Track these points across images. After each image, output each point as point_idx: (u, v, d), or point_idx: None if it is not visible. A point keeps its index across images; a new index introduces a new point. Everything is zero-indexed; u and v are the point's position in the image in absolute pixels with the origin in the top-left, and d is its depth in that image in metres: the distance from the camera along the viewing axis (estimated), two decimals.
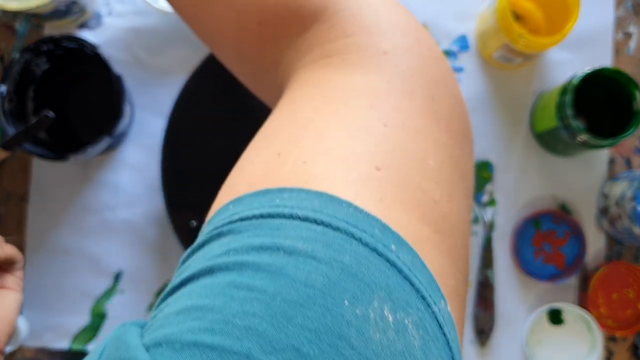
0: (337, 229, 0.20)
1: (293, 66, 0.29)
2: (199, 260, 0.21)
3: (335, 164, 0.23)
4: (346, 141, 0.23)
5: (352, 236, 0.20)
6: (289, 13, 0.29)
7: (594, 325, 0.63)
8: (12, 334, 0.49)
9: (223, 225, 0.22)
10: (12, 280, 0.52)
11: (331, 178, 0.22)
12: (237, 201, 0.22)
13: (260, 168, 0.24)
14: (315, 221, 0.20)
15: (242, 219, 0.21)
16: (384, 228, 0.21)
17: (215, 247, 0.21)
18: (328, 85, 0.26)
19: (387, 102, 0.25)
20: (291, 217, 0.20)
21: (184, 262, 0.23)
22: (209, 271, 0.21)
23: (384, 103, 0.25)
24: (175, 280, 0.22)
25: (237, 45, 0.32)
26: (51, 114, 0.55)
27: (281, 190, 0.22)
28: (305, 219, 0.20)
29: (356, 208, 0.21)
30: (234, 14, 0.31)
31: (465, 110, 0.29)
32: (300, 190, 0.21)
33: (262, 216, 0.21)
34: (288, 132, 0.25)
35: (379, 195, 0.22)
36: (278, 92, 0.31)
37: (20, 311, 0.51)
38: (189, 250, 0.23)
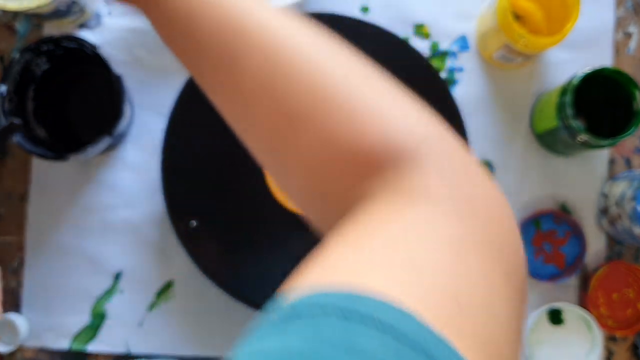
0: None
1: (370, 194, 0.30)
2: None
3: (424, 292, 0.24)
4: (434, 270, 0.25)
5: None
6: (383, 153, 0.30)
7: (594, 325, 0.63)
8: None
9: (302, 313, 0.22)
10: None
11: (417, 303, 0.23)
12: (319, 295, 0.23)
13: (338, 265, 0.25)
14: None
15: (325, 313, 0.22)
16: None
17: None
18: (412, 217, 0.27)
19: (466, 248, 0.27)
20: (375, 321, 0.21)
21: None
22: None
23: (464, 248, 0.27)
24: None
25: (311, 178, 0.32)
26: (18, 121, 0.55)
27: (361, 297, 0.22)
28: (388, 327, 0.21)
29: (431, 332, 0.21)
30: (319, 145, 0.31)
31: (525, 270, 0.31)
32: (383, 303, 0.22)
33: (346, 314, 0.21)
34: (383, 245, 0.26)
35: (462, 332, 0.23)
36: (340, 218, 0.31)
37: (2, 282, 0.50)
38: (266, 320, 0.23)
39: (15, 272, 0.66)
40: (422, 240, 0.26)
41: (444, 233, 0.27)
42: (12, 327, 0.64)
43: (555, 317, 0.64)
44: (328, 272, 0.25)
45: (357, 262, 0.25)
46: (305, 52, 0.34)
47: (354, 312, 0.21)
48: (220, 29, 0.34)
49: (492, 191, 0.30)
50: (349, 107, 0.32)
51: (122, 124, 0.61)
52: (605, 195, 0.64)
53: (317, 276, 0.25)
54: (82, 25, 0.67)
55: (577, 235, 0.65)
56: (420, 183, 0.29)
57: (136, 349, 0.65)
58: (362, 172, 0.30)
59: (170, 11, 0.37)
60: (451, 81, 0.67)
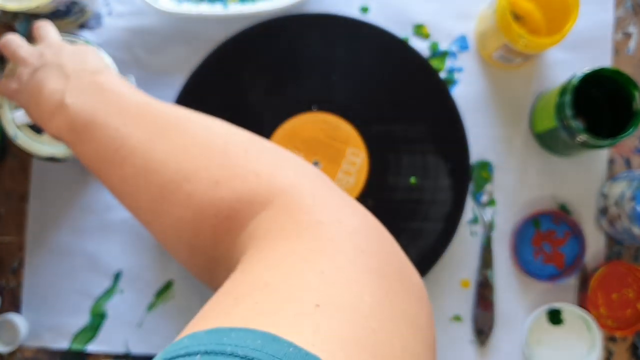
0: None
1: (243, 247, 0.34)
2: None
3: (281, 303, 0.26)
4: (291, 287, 0.28)
5: None
6: (242, 206, 0.35)
7: (594, 325, 0.63)
8: None
9: (173, 357, 0.25)
10: None
11: (275, 316, 0.25)
12: (191, 336, 0.26)
13: (217, 310, 0.28)
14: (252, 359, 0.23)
15: (189, 354, 0.24)
16: None
17: None
18: (274, 252, 0.31)
19: (323, 257, 0.30)
20: (232, 355, 0.23)
21: None
22: None
23: (320, 258, 0.30)
24: None
25: (192, 241, 0.37)
26: None
27: (230, 330, 0.25)
28: (244, 358, 0.23)
29: (295, 347, 0.23)
30: (191, 213, 0.37)
31: (406, 264, 0.34)
32: (247, 330, 0.24)
33: (206, 352, 0.24)
34: (242, 286, 0.29)
35: (316, 329, 0.25)
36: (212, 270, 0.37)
37: None
38: None
39: (15, 272, 0.66)
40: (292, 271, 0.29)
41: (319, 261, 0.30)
42: (12, 327, 0.64)
43: (555, 317, 0.64)
44: (202, 319, 0.28)
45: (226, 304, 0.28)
46: (182, 126, 0.41)
47: (217, 346, 0.24)
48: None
49: (366, 217, 0.34)
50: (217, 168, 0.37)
51: None
52: (604, 196, 0.64)
53: (194, 325, 0.28)
54: (82, 25, 0.67)
55: (577, 235, 0.65)
56: (286, 223, 0.33)
57: (136, 349, 0.65)
58: (232, 224, 0.35)
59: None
60: (451, 81, 0.67)
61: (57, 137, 0.47)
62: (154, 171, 0.39)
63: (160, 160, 0.39)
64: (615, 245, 0.66)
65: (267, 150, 0.39)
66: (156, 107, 0.43)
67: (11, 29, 0.68)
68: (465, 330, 0.65)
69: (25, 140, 0.59)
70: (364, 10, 0.67)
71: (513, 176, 0.66)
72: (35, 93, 0.49)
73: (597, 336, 0.63)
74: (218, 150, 0.38)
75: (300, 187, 0.35)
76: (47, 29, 0.56)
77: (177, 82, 0.66)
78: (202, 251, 0.37)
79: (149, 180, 0.39)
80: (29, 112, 0.51)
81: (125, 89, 0.45)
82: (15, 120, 0.59)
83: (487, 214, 0.66)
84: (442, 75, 0.67)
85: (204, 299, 0.65)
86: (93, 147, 0.43)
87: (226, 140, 0.39)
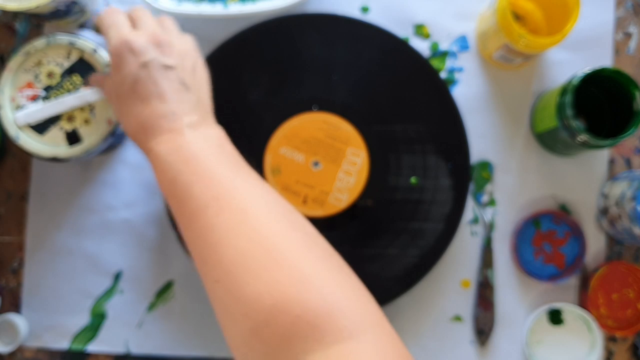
0: None
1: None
2: None
3: None
4: None
5: None
6: (325, 324, 0.36)
7: (594, 326, 0.63)
8: None
9: None
10: None
11: None
12: None
13: None
14: None
15: None
16: None
17: None
18: None
19: None
20: None
21: None
22: None
23: None
24: None
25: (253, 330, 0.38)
26: None
27: None
28: None
29: None
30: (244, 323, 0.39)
31: None
32: None
33: None
34: None
35: None
36: None
37: None
38: None
39: (15, 272, 0.66)
40: None
41: None
42: (12, 327, 0.64)
43: (555, 317, 0.64)
44: None
45: None
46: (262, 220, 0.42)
47: None
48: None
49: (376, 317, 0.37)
50: (298, 274, 0.38)
51: None
52: (605, 196, 0.64)
53: None
54: (82, 25, 0.67)
55: (577, 235, 0.65)
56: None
57: (136, 349, 0.65)
58: (302, 335, 0.36)
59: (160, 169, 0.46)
60: (451, 81, 0.67)
61: (134, 141, 0.47)
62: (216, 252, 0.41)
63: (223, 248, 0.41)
64: (615, 245, 0.66)
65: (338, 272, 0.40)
66: (236, 193, 0.43)
67: (11, 29, 0.68)
68: (466, 331, 0.65)
69: (27, 141, 0.59)
70: (364, 10, 0.67)
71: (513, 176, 0.66)
72: (144, 95, 0.47)
73: (597, 336, 0.63)
74: (286, 272, 0.39)
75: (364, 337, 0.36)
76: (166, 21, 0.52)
77: None
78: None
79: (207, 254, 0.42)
80: (118, 106, 0.49)
81: (214, 159, 0.45)
82: (18, 120, 0.59)
83: (488, 214, 0.66)
84: (443, 75, 0.67)
85: (204, 299, 0.65)
86: (169, 191, 0.45)
87: (298, 256, 0.40)
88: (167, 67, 0.47)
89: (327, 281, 0.38)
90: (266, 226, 0.41)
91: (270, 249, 0.40)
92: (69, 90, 0.60)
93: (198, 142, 0.45)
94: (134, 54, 0.47)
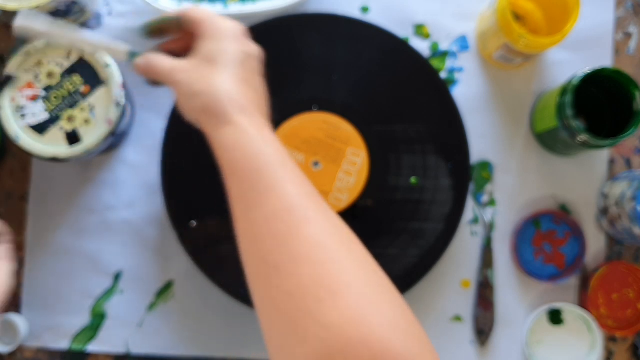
0: None
1: None
2: None
3: None
4: None
5: None
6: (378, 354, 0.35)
7: (594, 325, 0.63)
8: (6, 302, 0.51)
9: None
10: (2, 249, 0.54)
11: None
12: None
13: None
14: None
15: None
16: None
17: None
18: None
19: None
20: None
21: None
22: None
23: None
24: None
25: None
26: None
27: None
28: None
29: None
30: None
31: None
32: None
33: None
34: None
35: None
36: None
37: (15, 280, 0.52)
38: None
39: (15, 272, 0.66)
40: None
41: None
42: (12, 327, 0.64)
43: (555, 317, 0.64)
44: None
45: None
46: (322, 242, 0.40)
47: None
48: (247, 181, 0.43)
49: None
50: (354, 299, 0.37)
51: (123, 124, 0.62)
52: (605, 196, 0.64)
53: None
54: (82, 25, 0.67)
55: (577, 235, 0.65)
56: None
57: (136, 349, 0.65)
58: None
59: (217, 150, 0.45)
60: (451, 81, 0.67)
61: (198, 125, 0.46)
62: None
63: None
64: (615, 245, 0.66)
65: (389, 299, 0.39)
66: (332, 214, 0.42)
67: (11, 29, 0.67)
68: (466, 330, 0.65)
69: (27, 141, 0.59)
70: (365, 10, 0.67)
71: (513, 176, 0.66)
72: (243, 79, 0.47)
73: (597, 336, 0.63)
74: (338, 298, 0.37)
75: None
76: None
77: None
78: None
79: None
80: (184, 95, 0.47)
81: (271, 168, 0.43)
82: (16, 22, 0.55)
83: (488, 214, 0.66)
84: (443, 75, 0.67)
85: (204, 299, 0.65)
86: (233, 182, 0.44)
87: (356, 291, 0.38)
88: (258, 64, 0.49)
89: (409, 325, 0.37)
90: (362, 254, 0.41)
91: (361, 277, 0.39)
92: (69, 91, 0.60)
93: (275, 141, 0.45)
94: (244, 39, 0.49)
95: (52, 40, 0.55)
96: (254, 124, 0.45)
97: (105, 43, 0.54)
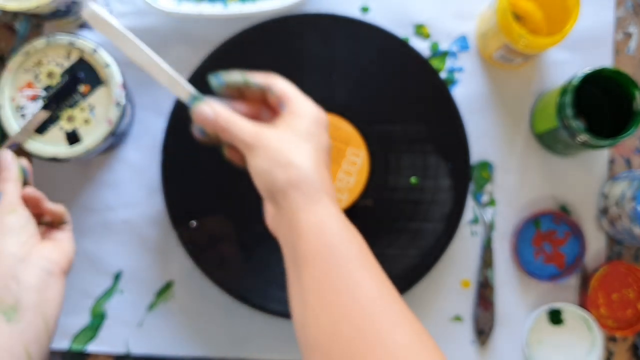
0: None
1: None
2: None
3: None
4: None
5: None
6: None
7: (594, 325, 0.63)
8: (70, 266, 0.52)
9: None
10: (64, 234, 0.54)
11: None
12: None
13: None
14: None
15: None
16: None
17: None
18: None
19: None
20: None
21: None
22: None
23: None
24: None
25: None
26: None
27: None
28: None
29: None
30: None
31: None
32: None
33: None
34: None
35: None
36: None
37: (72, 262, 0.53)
38: None
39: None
40: None
41: None
42: None
43: (555, 317, 0.64)
44: None
45: None
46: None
47: None
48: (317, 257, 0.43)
49: None
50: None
51: (123, 124, 0.62)
52: (605, 196, 0.64)
53: None
54: (82, 25, 0.67)
55: (577, 235, 0.65)
56: None
57: (136, 349, 0.65)
58: None
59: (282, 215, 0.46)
60: (451, 81, 0.67)
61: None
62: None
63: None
64: (615, 245, 0.66)
65: None
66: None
67: (11, 29, 0.68)
68: (466, 330, 0.65)
69: (27, 141, 0.59)
70: (364, 10, 0.67)
71: (513, 176, 0.66)
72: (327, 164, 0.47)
73: (597, 336, 0.63)
74: None
75: None
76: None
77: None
78: None
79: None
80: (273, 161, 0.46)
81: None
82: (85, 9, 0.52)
83: (488, 214, 0.66)
84: (443, 75, 0.67)
85: (204, 299, 0.65)
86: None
87: None
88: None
89: None
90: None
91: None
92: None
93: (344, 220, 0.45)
94: (325, 128, 0.49)
95: (116, 40, 0.51)
96: (337, 207, 0.45)
97: (169, 70, 0.51)
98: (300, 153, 0.45)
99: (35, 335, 0.46)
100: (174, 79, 0.50)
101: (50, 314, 0.47)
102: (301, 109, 0.48)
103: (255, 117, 0.50)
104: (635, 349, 0.65)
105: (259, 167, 0.46)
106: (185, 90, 0.50)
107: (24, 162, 0.54)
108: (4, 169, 0.52)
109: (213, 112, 0.48)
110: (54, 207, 0.54)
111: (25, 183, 0.54)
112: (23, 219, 0.50)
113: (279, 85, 0.49)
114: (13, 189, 0.51)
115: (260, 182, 0.46)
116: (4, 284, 0.46)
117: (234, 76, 0.50)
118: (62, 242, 0.52)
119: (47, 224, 0.54)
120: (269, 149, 0.46)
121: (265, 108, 0.51)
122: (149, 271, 0.66)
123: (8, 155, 0.53)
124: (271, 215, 0.47)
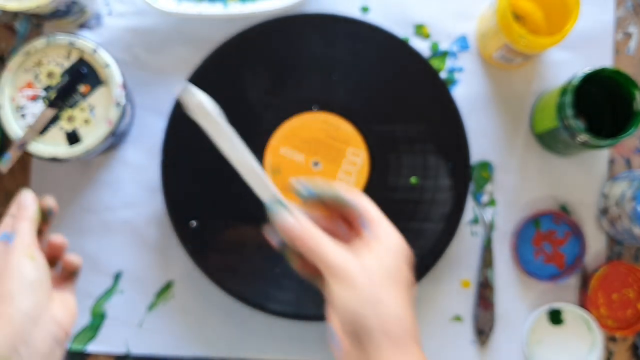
0: None
1: None
2: None
3: None
4: None
5: None
6: None
7: (594, 325, 0.63)
8: (72, 331, 0.49)
9: None
10: (71, 294, 0.52)
11: None
12: None
13: None
14: None
15: None
16: None
17: None
18: None
19: None
20: None
21: None
22: None
23: None
24: None
25: None
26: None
27: None
28: None
29: None
30: None
31: None
32: None
33: None
34: None
35: None
36: None
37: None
38: None
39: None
40: None
41: None
42: None
43: (555, 317, 0.64)
44: None
45: None
46: None
47: None
48: None
49: None
50: None
51: (123, 124, 0.62)
52: (605, 196, 0.64)
53: None
54: (82, 25, 0.67)
55: (577, 235, 0.65)
56: None
57: (136, 349, 0.65)
58: None
59: None
60: (451, 81, 0.67)
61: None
62: None
63: None
64: (615, 245, 0.66)
65: None
66: None
67: (11, 29, 0.68)
68: (466, 330, 0.65)
69: None
70: (364, 10, 0.67)
71: (513, 176, 0.66)
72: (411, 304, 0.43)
73: (597, 336, 0.63)
74: None
75: None
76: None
77: (177, 83, 0.66)
78: None
79: None
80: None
81: None
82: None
83: (488, 214, 0.66)
84: (443, 75, 0.67)
85: (204, 299, 0.65)
86: None
87: None
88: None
89: None
90: None
91: None
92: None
93: None
94: (408, 262, 0.45)
95: (211, 133, 0.47)
96: (423, 355, 0.42)
97: (257, 167, 0.47)
98: (390, 293, 0.42)
99: None
100: (260, 177, 0.47)
101: None
102: (387, 238, 0.45)
103: (332, 231, 0.47)
104: (635, 349, 0.65)
105: (346, 302, 0.42)
106: (270, 192, 0.47)
107: (51, 201, 0.50)
108: (22, 207, 0.49)
109: (300, 227, 0.45)
110: (72, 259, 0.51)
111: (45, 222, 0.50)
112: (40, 270, 0.46)
113: (364, 204, 0.46)
114: (28, 229, 0.48)
115: (343, 316, 0.42)
116: (14, 347, 0.43)
117: (324, 189, 0.47)
118: (69, 302, 0.50)
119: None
120: (357, 283, 0.42)
121: (341, 222, 0.48)
122: (149, 271, 0.66)
123: (29, 195, 0.50)
124: (345, 351, 0.42)
